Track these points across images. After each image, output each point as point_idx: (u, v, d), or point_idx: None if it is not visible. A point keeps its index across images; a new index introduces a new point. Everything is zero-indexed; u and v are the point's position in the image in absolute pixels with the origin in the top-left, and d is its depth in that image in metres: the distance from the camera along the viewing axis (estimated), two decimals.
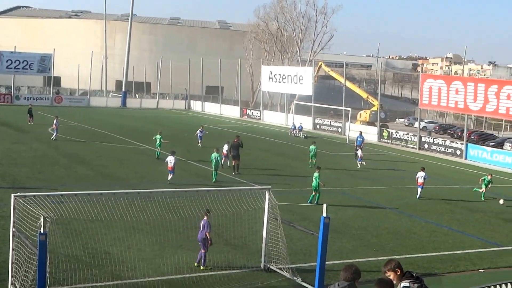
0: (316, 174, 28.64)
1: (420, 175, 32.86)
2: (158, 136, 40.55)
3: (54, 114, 53.44)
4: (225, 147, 38.80)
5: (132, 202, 20.46)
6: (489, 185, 33.86)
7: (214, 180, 33.23)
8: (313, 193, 28.62)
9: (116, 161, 38.42)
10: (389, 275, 9.75)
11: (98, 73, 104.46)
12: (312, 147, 42.27)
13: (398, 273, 9.76)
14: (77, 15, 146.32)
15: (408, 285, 9.67)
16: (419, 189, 32.82)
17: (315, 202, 28.17)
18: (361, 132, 51.63)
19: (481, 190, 33.66)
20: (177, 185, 28.76)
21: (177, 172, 32.63)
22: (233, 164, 37.00)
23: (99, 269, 17.39)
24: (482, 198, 33.36)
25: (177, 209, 21.43)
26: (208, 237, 18.21)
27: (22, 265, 15.17)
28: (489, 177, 34.26)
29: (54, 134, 47.00)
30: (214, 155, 33.66)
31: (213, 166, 33.52)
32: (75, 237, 19.67)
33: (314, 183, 28.60)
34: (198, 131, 49.57)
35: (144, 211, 19.55)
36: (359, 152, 44.16)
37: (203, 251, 18.29)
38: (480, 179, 34.58)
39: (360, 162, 43.39)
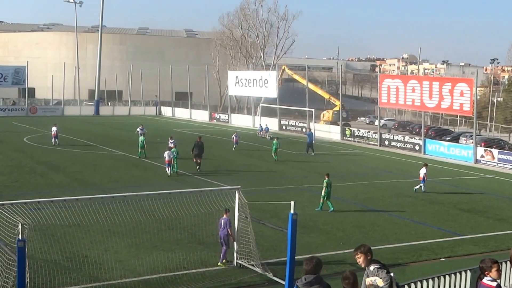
0: (329, 181, 27.42)
1: (422, 171, 33.29)
2: (141, 138, 43.02)
3: (32, 123, 52.80)
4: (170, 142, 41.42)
5: (108, 206, 20.26)
6: None
7: (176, 170, 36.18)
8: (325, 200, 27.33)
9: (90, 167, 38.07)
10: (359, 257, 9.88)
11: (71, 83, 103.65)
12: (274, 141, 45.00)
13: (369, 257, 9.87)
14: (49, 28, 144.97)
15: (379, 266, 9.77)
16: (421, 184, 33.19)
17: (319, 208, 27.20)
18: (310, 129, 56.86)
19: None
20: (147, 187, 28.63)
21: (142, 173, 32.58)
22: (194, 161, 38.02)
23: (78, 272, 17.19)
24: None
25: (151, 211, 21.34)
26: (230, 233, 18.37)
27: (2, 271, 14.92)
28: None
29: (54, 140, 48.93)
30: (174, 149, 36.39)
31: (174, 159, 35.92)
32: (53, 242, 19.44)
33: (325, 191, 27.25)
34: (138, 129, 52.19)
35: (120, 215, 19.33)
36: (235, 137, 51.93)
37: (224, 248, 18.46)
38: None
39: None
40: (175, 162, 36.18)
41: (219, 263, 18.54)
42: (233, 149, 50.35)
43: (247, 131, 69.58)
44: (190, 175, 35.80)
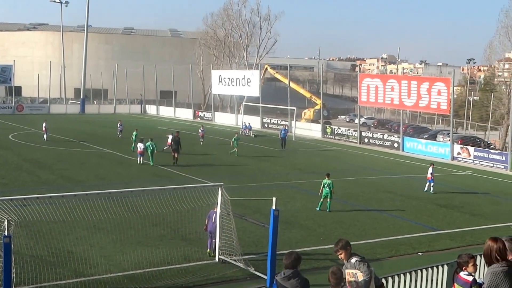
0: (328, 181, 26.76)
1: (429, 170, 33.04)
2: (134, 133, 45.33)
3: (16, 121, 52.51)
4: (170, 137, 42.23)
5: (93, 203, 20.15)
6: None
7: (152, 164, 37.75)
8: (322, 200, 26.76)
9: (76, 164, 37.86)
10: (340, 253, 10.02)
11: (57, 82, 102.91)
12: (236, 136, 46.68)
13: (349, 251, 10.00)
14: (35, 28, 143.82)
15: (360, 259, 9.88)
16: (431, 183, 32.85)
17: (327, 209, 26.56)
18: (285, 126, 61.19)
19: None
20: (132, 184, 28.55)
21: (127, 170, 32.51)
22: (173, 155, 39.27)
23: (63, 268, 17.08)
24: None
25: (135, 208, 21.25)
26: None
27: None
28: None
29: (45, 135, 50.19)
30: (150, 143, 38.25)
31: (149, 152, 37.87)
32: (39, 238, 19.31)
33: (327, 190, 26.63)
34: (118, 125, 55.52)
35: (105, 211, 19.22)
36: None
37: (214, 240, 18.56)
38: None
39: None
40: (151, 155, 38.01)
41: (208, 250, 18.77)
42: (200, 144, 51.30)
43: (230, 129, 69.52)
44: (174, 172, 35.79)
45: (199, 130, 53.79)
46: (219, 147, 50.27)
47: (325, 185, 26.84)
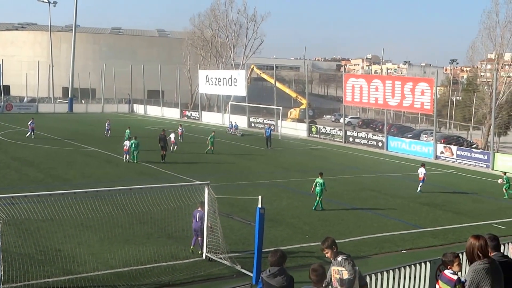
0: (320, 180, 26.82)
1: (421, 171, 32.82)
2: (127, 131, 45.88)
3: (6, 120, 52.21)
4: (172, 135, 45.27)
5: (81, 201, 20.10)
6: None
7: (135, 161, 38.71)
8: (318, 199, 26.83)
9: (64, 163, 37.69)
10: (327, 252, 10.12)
11: (45, 81, 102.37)
12: (212, 134, 46.67)
13: (334, 250, 10.10)
14: (24, 27, 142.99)
15: (345, 257, 9.97)
16: (420, 183, 32.74)
17: (320, 208, 26.72)
18: (270, 125, 61.75)
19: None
20: (119, 182, 28.46)
21: (114, 169, 32.42)
22: (161, 153, 40.03)
23: (51, 265, 17.00)
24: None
25: (123, 206, 21.16)
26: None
27: None
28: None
29: (29, 132, 51.00)
30: (133, 141, 39.22)
31: (132, 150, 38.91)
32: (28, 236, 19.22)
33: (318, 189, 26.67)
34: (106, 124, 56.12)
35: (92, 209, 19.19)
36: None
37: (199, 238, 18.63)
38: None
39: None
40: (135, 153, 38.91)
41: (192, 247, 18.85)
42: (179, 141, 50.09)
43: (217, 128, 69.47)
44: (161, 170, 35.73)
45: (178, 129, 52.99)
46: (206, 146, 50.19)
47: (317, 184, 26.85)
